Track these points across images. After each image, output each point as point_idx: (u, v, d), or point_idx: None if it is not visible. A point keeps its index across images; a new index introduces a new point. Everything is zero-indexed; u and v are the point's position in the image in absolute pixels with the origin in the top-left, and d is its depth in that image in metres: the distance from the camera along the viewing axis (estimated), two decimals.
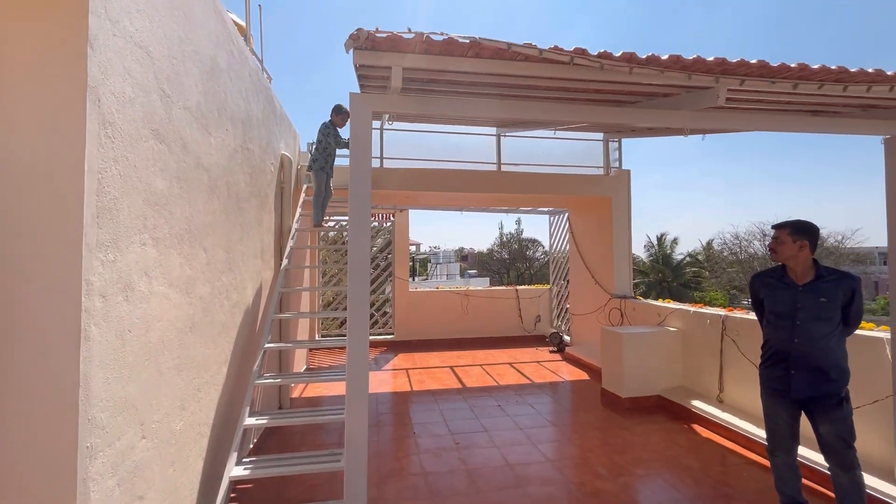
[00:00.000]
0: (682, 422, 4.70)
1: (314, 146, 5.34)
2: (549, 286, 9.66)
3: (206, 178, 2.77)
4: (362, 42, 2.31)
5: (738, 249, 34.78)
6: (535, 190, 6.66)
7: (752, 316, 4.56)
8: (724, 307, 5.46)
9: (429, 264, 39.17)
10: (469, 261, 47.02)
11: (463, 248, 53.40)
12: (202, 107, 2.68)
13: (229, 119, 3.23)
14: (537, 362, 7.42)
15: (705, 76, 2.40)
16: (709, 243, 39.68)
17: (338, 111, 5.28)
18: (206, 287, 2.77)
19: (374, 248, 9.36)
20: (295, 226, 5.13)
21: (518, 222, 47.98)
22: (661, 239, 36.04)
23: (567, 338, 8.46)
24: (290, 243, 4.80)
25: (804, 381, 2.48)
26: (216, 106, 2.94)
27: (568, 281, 8.63)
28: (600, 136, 7.05)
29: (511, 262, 40.51)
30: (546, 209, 9.40)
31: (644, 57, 2.25)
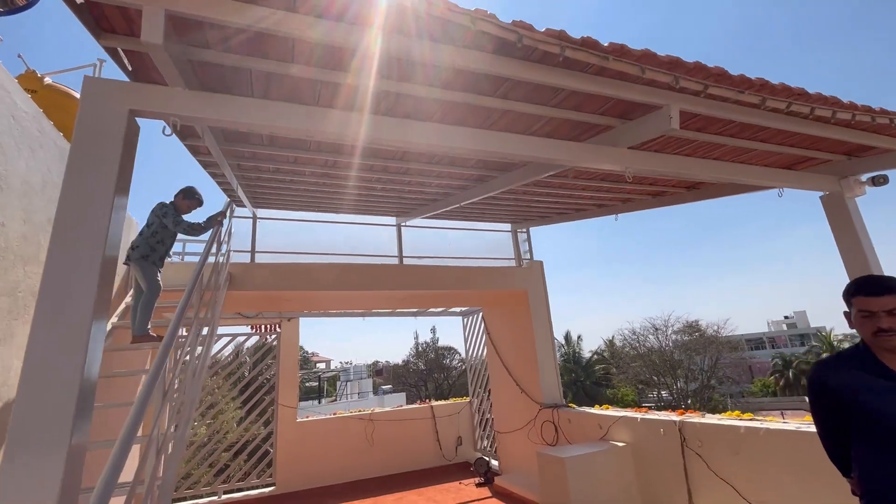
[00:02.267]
0: None
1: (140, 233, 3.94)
2: (468, 398, 8.27)
3: None
4: None
5: (637, 344, 36.72)
6: (443, 285, 5.71)
7: (712, 419, 3.68)
8: (636, 405, 4.63)
9: (338, 382, 35.30)
10: (384, 375, 43.61)
11: (377, 362, 49.90)
12: None
13: None
14: None
15: (656, 79, 1.73)
16: (611, 340, 41.67)
17: (188, 195, 4.04)
18: None
19: (242, 366, 7.40)
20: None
21: (433, 330, 46.74)
22: (567, 337, 36.93)
23: (495, 463, 6.93)
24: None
25: None
26: None
27: (489, 391, 7.38)
28: (508, 226, 6.56)
29: (428, 374, 38.22)
30: (458, 309, 8.44)
31: (580, 38, 1.51)
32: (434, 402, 8.04)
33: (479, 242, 6.38)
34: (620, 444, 4.30)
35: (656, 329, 35.50)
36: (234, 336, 7.16)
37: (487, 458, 6.92)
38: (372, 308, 7.07)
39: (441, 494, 6.25)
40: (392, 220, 5.93)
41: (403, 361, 40.39)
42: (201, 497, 6.52)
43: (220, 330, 8.65)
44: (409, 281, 5.57)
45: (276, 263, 5.11)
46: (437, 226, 6.15)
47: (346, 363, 40.61)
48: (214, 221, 4.12)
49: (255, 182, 4.57)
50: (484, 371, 7.84)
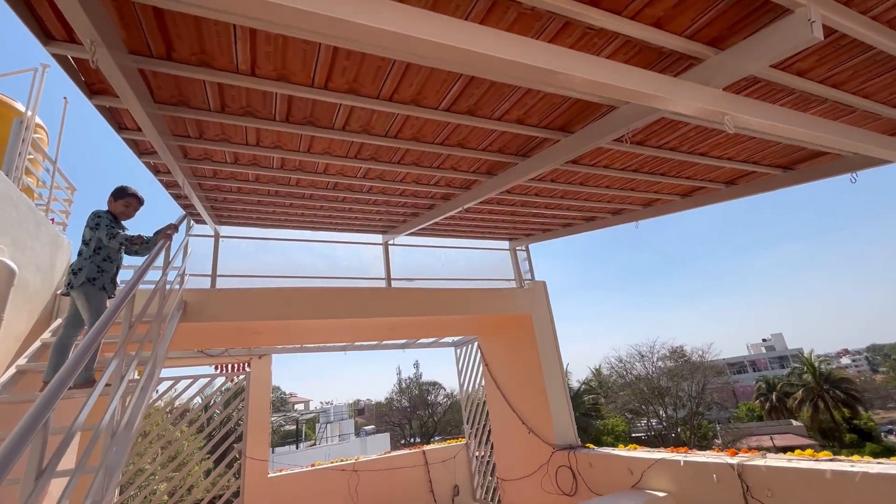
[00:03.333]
0: None
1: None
2: (463, 440, 7.36)
3: None
4: None
5: (624, 372, 36.04)
6: (437, 309, 4.98)
7: (779, 460, 2.99)
8: (626, 437, 3.93)
9: (317, 425, 33.14)
10: (366, 414, 41.47)
11: (359, 401, 47.58)
12: None
13: None
14: None
15: None
16: (598, 369, 40.90)
17: (119, 194, 3.28)
18: None
19: (204, 413, 6.36)
20: None
21: (416, 365, 45.15)
22: None
23: None
24: None
25: None
26: None
27: (489, 431, 6.52)
28: (506, 244, 5.93)
29: (412, 411, 36.43)
30: (451, 339, 7.65)
31: None
32: (426, 447, 7.09)
33: (474, 263, 5.72)
34: (661, 495, 3.54)
35: (642, 356, 35.02)
36: (196, 378, 6.17)
37: None
38: (355, 340, 6.24)
39: None
40: (378, 238, 5.24)
41: (386, 399, 38.51)
42: None
43: (181, 372, 7.58)
44: (398, 306, 4.82)
45: (242, 289, 4.31)
46: (429, 244, 5.47)
47: (327, 403, 38.48)
48: (163, 235, 3.35)
49: (217, 194, 3.84)
50: (482, 408, 6.99)
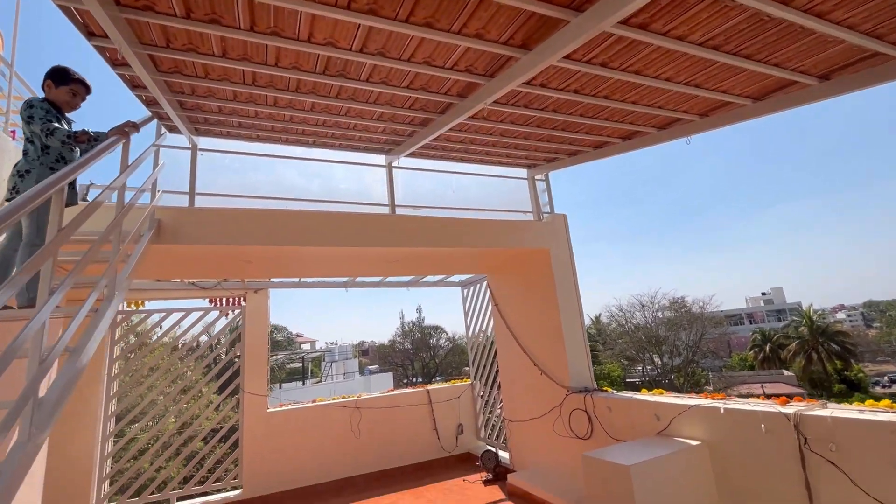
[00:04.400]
0: None
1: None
2: (468, 381, 7.12)
3: None
4: None
5: (623, 321, 36.38)
6: (445, 241, 4.43)
7: (847, 411, 2.55)
8: (621, 381, 3.56)
9: (323, 363, 34.09)
10: (370, 355, 42.64)
11: (363, 342, 48.80)
12: None
13: None
14: None
15: None
16: (597, 318, 41.32)
17: (59, 78, 2.65)
18: None
19: (197, 347, 6.05)
20: None
21: (419, 310, 45.75)
22: None
23: (504, 455, 5.82)
24: None
25: None
26: None
27: (497, 373, 6.22)
28: (523, 173, 5.28)
29: (414, 353, 37.37)
30: (458, 279, 7.20)
31: None
32: (430, 386, 6.85)
33: (489, 192, 5.10)
34: (694, 444, 3.16)
35: (643, 306, 35.15)
36: (188, 311, 5.79)
37: (496, 451, 5.80)
38: (357, 275, 5.77)
39: (443, 496, 5.11)
40: (381, 159, 4.59)
41: (389, 341, 39.40)
42: None
43: (173, 304, 7.23)
44: (403, 235, 4.27)
45: (225, 209, 3.74)
46: (438, 168, 4.83)
47: (332, 344, 39.41)
48: (118, 132, 2.73)
49: (194, 98, 3.18)
50: (489, 350, 6.66)
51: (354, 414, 6.14)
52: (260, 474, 5.49)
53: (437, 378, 35.77)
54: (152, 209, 3.37)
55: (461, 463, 6.38)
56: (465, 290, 7.33)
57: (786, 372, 38.11)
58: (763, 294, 60.60)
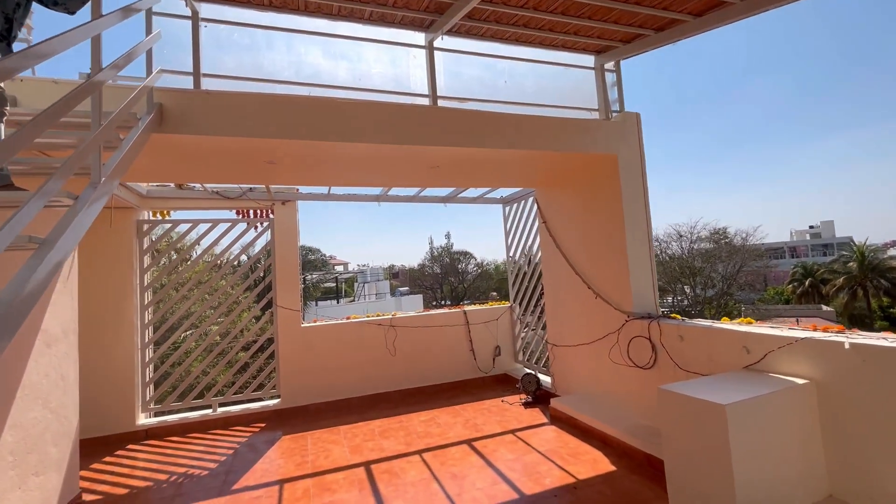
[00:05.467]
0: None
1: None
2: (507, 304, 6.72)
3: None
4: None
5: (658, 251, 35.14)
6: (493, 141, 3.69)
7: None
8: None
9: (356, 284, 35.13)
10: (400, 278, 43.64)
11: (393, 266, 49.82)
12: None
13: None
14: (513, 433, 4.35)
15: None
16: None
17: None
18: None
19: (230, 262, 5.78)
20: None
21: (448, 235, 45.68)
22: None
23: (546, 379, 5.53)
24: None
25: None
26: None
27: (541, 295, 5.74)
28: (590, 60, 4.31)
29: (443, 277, 37.87)
30: (499, 195, 6.51)
31: None
32: (468, 307, 6.50)
33: (547, 84, 4.20)
34: (799, 382, 2.60)
35: (680, 236, 33.61)
36: (215, 221, 5.44)
37: (537, 374, 5.50)
38: (392, 184, 5.16)
39: (481, 415, 4.91)
40: (419, 37, 3.73)
41: (419, 265, 39.92)
42: (192, 410, 5.34)
43: (198, 215, 6.93)
44: (446, 131, 3.55)
45: (241, 92, 3.10)
46: (487, 52, 3.93)
47: (363, 266, 40.33)
48: None
49: None
50: (532, 272, 6.14)
51: (389, 332, 5.91)
52: (297, 386, 5.44)
53: (466, 302, 36.50)
54: (149, 89, 2.77)
55: (498, 384, 6.19)
56: (507, 208, 6.66)
57: (824, 307, 36.68)
58: (811, 227, 56.92)
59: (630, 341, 3.94)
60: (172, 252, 7.40)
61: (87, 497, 3.53)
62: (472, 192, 6.19)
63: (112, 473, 3.95)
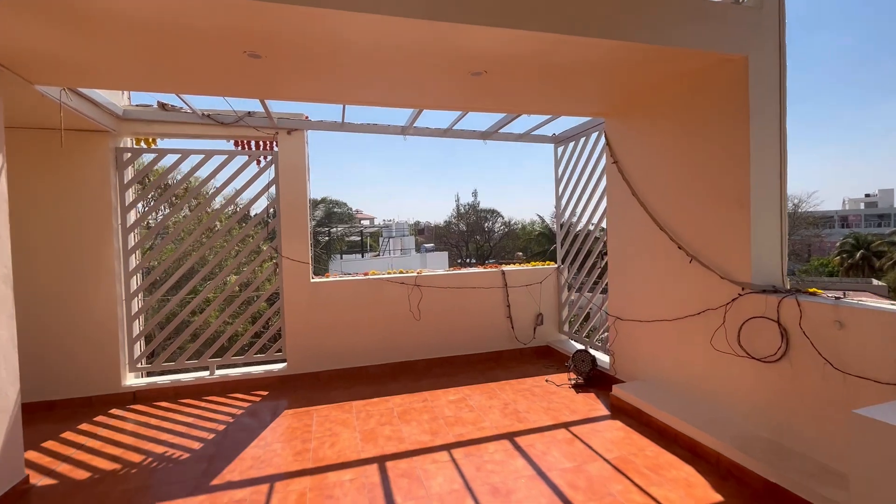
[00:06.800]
0: None
1: None
2: (553, 265, 5.62)
3: None
4: None
5: None
6: (569, 24, 2.45)
7: None
8: None
9: (381, 238, 34.55)
10: (425, 234, 42.85)
11: (419, 222, 48.97)
12: None
13: None
14: (566, 427, 3.39)
15: None
16: None
17: None
18: None
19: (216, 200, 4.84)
20: None
21: (475, 193, 44.13)
22: None
23: (603, 358, 4.51)
24: None
25: None
26: None
27: (601, 255, 4.60)
28: None
29: (469, 235, 36.80)
30: (550, 133, 5.25)
31: None
32: (506, 267, 5.45)
33: None
34: None
35: None
36: (209, 153, 4.46)
37: (591, 352, 4.48)
38: (420, 102, 3.95)
39: (523, 398, 3.97)
40: None
41: (445, 222, 38.91)
42: (187, 371, 4.63)
43: (187, 144, 5.93)
44: (499, 3, 2.34)
45: None
46: None
47: (389, 220, 39.61)
48: None
49: None
50: (589, 226, 4.98)
51: (414, 292, 4.95)
52: (305, 350, 4.62)
53: (491, 261, 35.55)
54: None
55: (539, 357, 5.23)
56: (561, 148, 5.41)
57: (875, 281, 33.84)
58: (867, 196, 52.18)
59: (744, 323, 2.82)
60: (161, 189, 6.54)
61: (37, 480, 2.82)
62: (517, 127, 4.96)
63: (81, 448, 3.25)
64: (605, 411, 3.66)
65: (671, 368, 3.48)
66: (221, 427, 3.58)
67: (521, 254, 34.42)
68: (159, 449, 3.22)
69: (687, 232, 3.30)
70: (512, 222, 37.70)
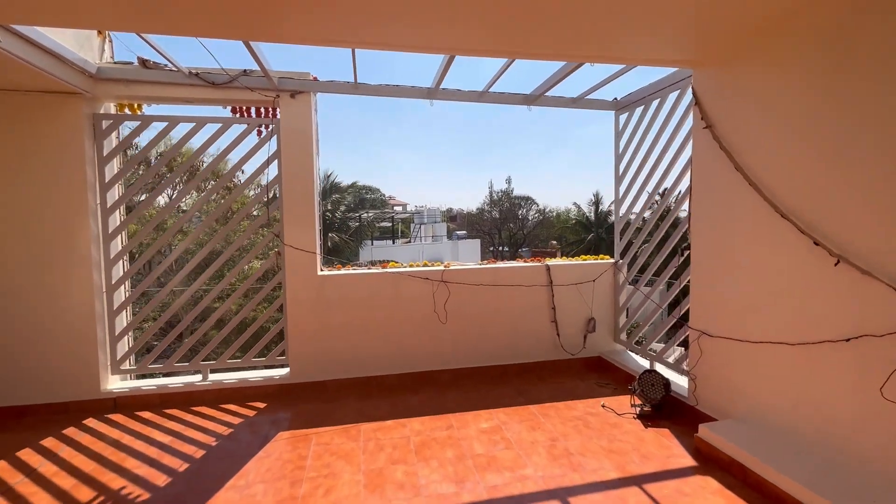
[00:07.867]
0: None
1: None
2: (609, 259, 4.63)
3: None
4: None
5: None
6: None
7: None
8: None
9: (412, 225, 33.94)
10: (458, 221, 41.94)
11: (451, 209, 48.08)
12: None
13: None
14: (639, 486, 2.48)
15: None
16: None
17: None
18: None
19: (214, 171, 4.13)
20: None
21: (508, 180, 42.65)
22: (597, 196, 30.30)
23: (679, 382, 3.52)
24: None
25: None
26: None
27: (683, 250, 3.57)
28: None
29: (502, 222, 35.59)
30: (611, 98, 4.29)
31: None
32: (551, 261, 4.50)
33: None
34: None
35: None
36: (201, 120, 3.75)
37: (661, 369, 3.51)
38: (452, 49, 3.04)
39: (575, 430, 3.08)
40: None
41: (477, 209, 37.84)
42: (177, 374, 4.03)
43: (177, 110, 5.26)
44: None
45: None
46: None
47: (421, 207, 38.94)
48: None
49: None
50: (663, 213, 3.97)
51: (440, 289, 4.12)
52: (311, 354, 3.90)
53: (524, 249, 34.29)
54: None
55: (589, 370, 4.30)
56: (624, 116, 4.36)
57: None
58: None
59: None
60: (146, 164, 5.95)
61: None
62: (568, 89, 3.96)
63: (30, 474, 2.65)
64: (687, 458, 2.73)
65: (791, 409, 2.49)
66: (201, 453, 2.91)
67: (555, 242, 32.91)
68: (117, 483, 2.57)
69: (831, 222, 2.26)
70: (546, 210, 36.16)
